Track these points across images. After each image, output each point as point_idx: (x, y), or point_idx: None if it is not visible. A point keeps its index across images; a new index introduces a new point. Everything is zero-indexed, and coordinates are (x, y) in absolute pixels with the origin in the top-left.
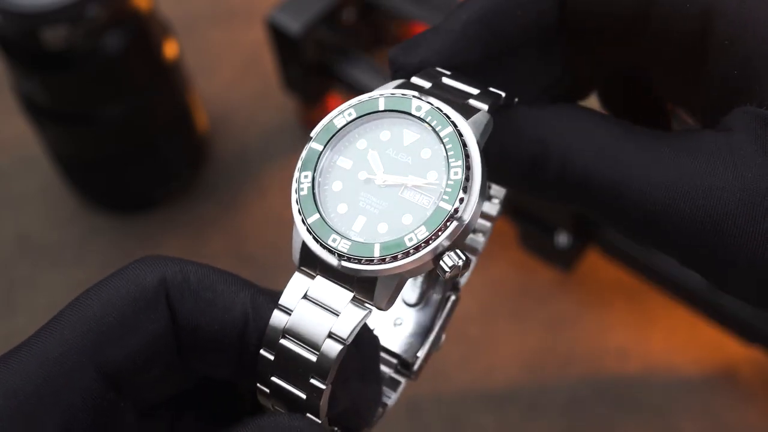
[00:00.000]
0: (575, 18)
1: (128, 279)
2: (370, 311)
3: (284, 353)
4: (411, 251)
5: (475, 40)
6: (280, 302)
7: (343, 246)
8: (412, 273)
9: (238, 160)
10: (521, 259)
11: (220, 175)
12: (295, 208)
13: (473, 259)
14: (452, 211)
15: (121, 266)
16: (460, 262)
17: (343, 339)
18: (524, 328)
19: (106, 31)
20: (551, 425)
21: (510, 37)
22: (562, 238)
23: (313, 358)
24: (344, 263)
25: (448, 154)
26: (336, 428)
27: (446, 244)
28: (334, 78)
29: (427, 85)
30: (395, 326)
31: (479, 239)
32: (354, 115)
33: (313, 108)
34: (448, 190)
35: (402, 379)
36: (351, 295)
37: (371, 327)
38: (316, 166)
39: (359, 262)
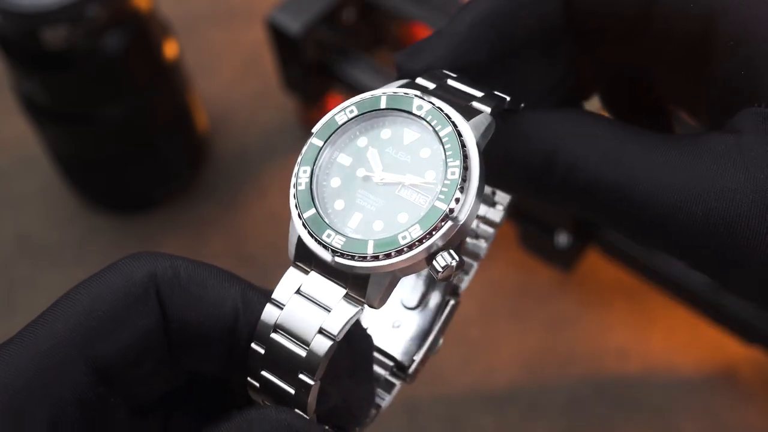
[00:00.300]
0: (579, 18)
1: (119, 273)
2: (362, 309)
3: (275, 348)
4: (404, 249)
5: (480, 42)
6: (273, 296)
7: (337, 242)
8: (405, 271)
9: (238, 160)
10: (521, 259)
11: (220, 175)
12: (292, 202)
13: (474, 264)
14: (447, 210)
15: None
16: (454, 263)
17: (333, 335)
18: (524, 329)
19: (106, 31)
20: (551, 425)
21: (515, 38)
22: (562, 238)
23: (303, 354)
24: (338, 259)
25: (447, 153)
26: (327, 427)
27: (440, 243)
28: (334, 78)
29: (431, 86)
30: (393, 328)
31: (482, 245)
32: (355, 113)
33: (313, 108)
34: (444, 189)
35: (397, 382)
36: (344, 291)
37: (370, 329)
38: (315, 161)
39: (352, 258)
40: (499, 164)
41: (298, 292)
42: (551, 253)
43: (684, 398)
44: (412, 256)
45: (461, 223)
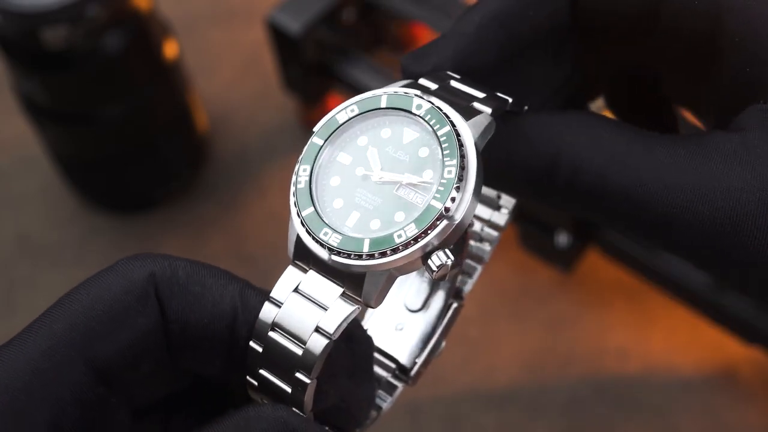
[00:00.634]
0: (586, 17)
1: (117, 274)
2: (359, 308)
3: (272, 346)
4: (400, 248)
5: (488, 43)
6: (271, 295)
7: (333, 240)
8: (401, 270)
9: (238, 160)
10: (521, 259)
11: (220, 175)
12: (291, 200)
13: (479, 268)
14: (443, 209)
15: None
16: (449, 262)
17: (329, 334)
18: (524, 328)
19: (106, 31)
20: (551, 425)
21: (522, 38)
22: (562, 238)
23: (299, 352)
24: (334, 257)
25: (444, 153)
26: (327, 428)
27: (435, 242)
28: (334, 78)
29: (433, 86)
30: (396, 331)
31: (486, 248)
32: (356, 112)
33: (313, 108)
34: (440, 188)
35: (399, 384)
36: (341, 290)
37: (373, 331)
38: (315, 160)
39: (349, 256)
40: (502, 167)
41: (296, 290)
42: (551, 253)
43: (684, 398)
44: (408, 254)
45: (457, 222)
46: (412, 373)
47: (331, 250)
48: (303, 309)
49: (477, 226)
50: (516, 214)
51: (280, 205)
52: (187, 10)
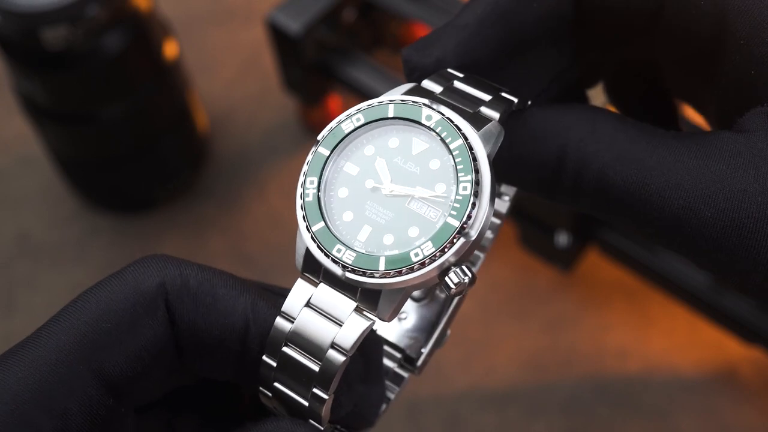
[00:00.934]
0: (589, 8)
1: (126, 283)
2: (374, 322)
3: (286, 361)
4: (416, 267)
5: (491, 35)
6: (282, 309)
7: (347, 257)
8: (416, 287)
9: (239, 160)
10: (521, 259)
11: (220, 175)
12: (299, 214)
13: (481, 256)
14: (460, 227)
15: (121, 266)
16: (466, 279)
17: (346, 350)
18: (524, 329)
19: (106, 31)
20: (551, 425)
21: (525, 30)
22: (562, 238)
23: (316, 368)
24: (348, 275)
25: (458, 167)
26: (338, 426)
27: (453, 260)
28: (334, 78)
29: (438, 89)
30: (400, 320)
31: (488, 236)
32: (362, 121)
33: (313, 108)
34: (456, 205)
35: (405, 374)
36: (354, 304)
37: (377, 322)
38: (322, 171)
39: (364, 274)
40: (508, 164)
41: (308, 305)
42: (551, 253)
43: (684, 398)
44: (425, 273)
45: (473, 238)
46: (419, 363)
47: (345, 267)
48: (317, 324)
49: None
50: (514, 213)
51: (280, 205)
52: (187, 10)
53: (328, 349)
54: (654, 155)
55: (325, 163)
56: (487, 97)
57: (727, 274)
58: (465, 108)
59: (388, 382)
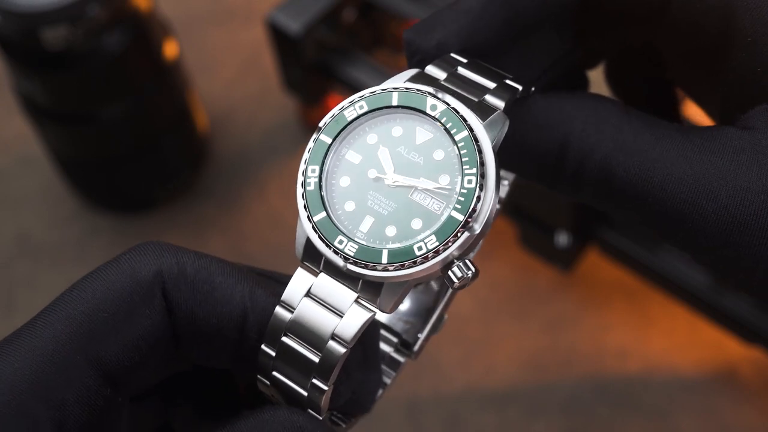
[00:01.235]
0: None
1: (123, 272)
2: (375, 313)
3: (286, 351)
4: (419, 260)
5: (494, 18)
6: (282, 299)
7: (349, 249)
8: (419, 281)
9: (239, 160)
10: (521, 259)
11: (220, 175)
12: (300, 203)
13: (480, 242)
14: (464, 221)
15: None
16: (470, 274)
17: (347, 342)
18: (524, 328)
19: (106, 31)
20: (551, 425)
21: (528, 14)
22: (562, 238)
23: (316, 359)
24: (350, 266)
25: (462, 159)
26: (335, 412)
27: (456, 254)
28: (334, 78)
29: (442, 75)
30: None
31: None
32: (365, 109)
33: (313, 108)
34: (461, 199)
35: (402, 359)
36: (355, 295)
37: None
38: (324, 159)
39: (366, 267)
40: (510, 151)
41: (308, 294)
42: (551, 253)
43: (684, 398)
44: (428, 267)
45: (477, 232)
46: (416, 348)
47: (346, 258)
48: (317, 315)
49: None
50: (514, 213)
51: (280, 205)
52: (187, 10)
53: (328, 340)
54: (657, 147)
55: (327, 150)
56: (491, 85)
57: (728, 270)
58: (470, 96)
59: (384, 367)
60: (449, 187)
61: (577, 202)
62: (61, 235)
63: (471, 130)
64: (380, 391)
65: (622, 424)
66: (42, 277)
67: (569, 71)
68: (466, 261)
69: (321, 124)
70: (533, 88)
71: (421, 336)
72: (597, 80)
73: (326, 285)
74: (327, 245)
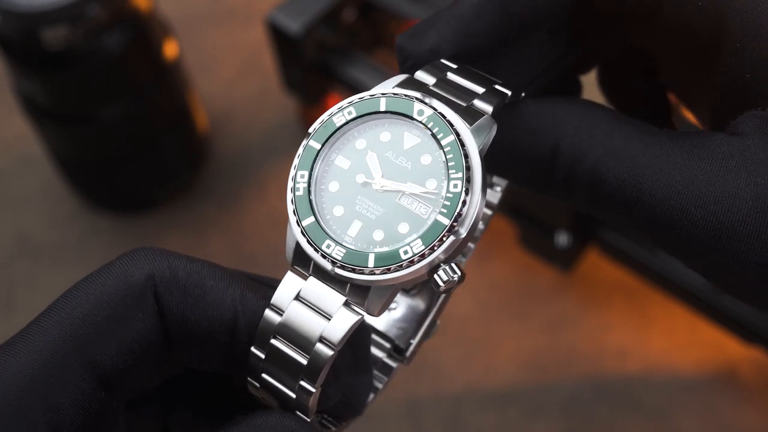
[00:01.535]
0: None
1: (116, 276)
2: (362, 317)
3: (275, 353)
4: (405, 264)
5: (487, 24)
6: (272, 302)
7: (337, 253)
8: (406, 284)
9: (239, 160)
10: (521, 259)
11: (220, 175)
12: (290, 207)
13: (472, 247)
14: (449, 225)
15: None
16: (455, 277)
17: (334, 345)
18: (524, 328)
19: (106, 31)
20: (551, 425)
21: (522, 18)
22: (562, 238)
23: (304, 361)
24: (337, 270)
25: (449, 164)
26: (325, 415)
27: (442, 257)
28: (334, 78)
29: (431, 81)
30: (390, 310)
31: (479, 227)
32: (354, 114)
33: (313, 108)
34: (447, 203)
35: (394, 364)
36: (343, 299)
37: None
38: (313, 165)
39: (353, 270)
40: (501, 156)
41: (297, 297)
42: (551, 253)
43: (684, 398)
44: (414, 270)
45: (463, 236)
46: (408, 353)
47: (334, 262)
48: (306, 318)
49: None
50: (514, 213)
51: (280, 205)
52: (187, 10)
53: (316, 343)
54: (647, 153)
55: (316, 156)
56: (480, 90)
57: (718, 276)
58: (458, 101)
59: (376, 372)
60: (436, 191)
61: None
62: (61, 235)
63: (457, 134)
64: (372, 396)
65: (622, 424)
66: (42, 277)
67: (562, 76)
68: (452, 264)
69: (310, 130)
70: (524, 94)
71: (414, 341)
72: (589, 85)
73: (315, 288)
74: (315, 249)
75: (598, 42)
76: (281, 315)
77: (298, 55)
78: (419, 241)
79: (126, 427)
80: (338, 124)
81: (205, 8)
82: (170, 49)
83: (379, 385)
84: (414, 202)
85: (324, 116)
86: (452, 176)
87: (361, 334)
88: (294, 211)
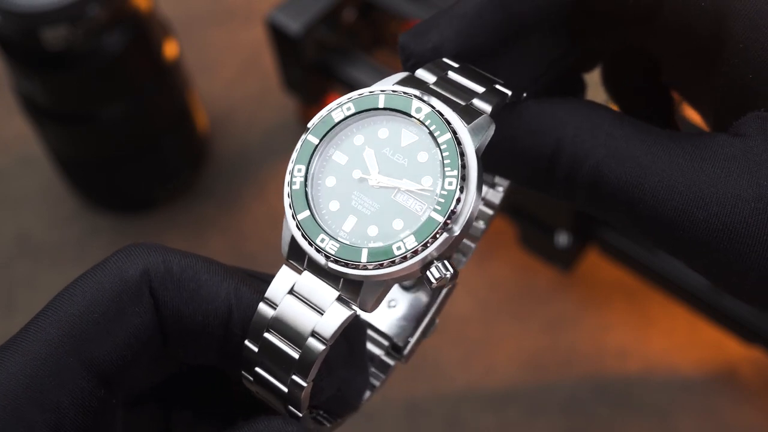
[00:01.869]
0: None
1: (111, 273)
2: (355, 312)
3: (267, 347)
4: (398, 260)
5: (489, 23)
6: (266, 295)
7: (330, 247)
8: (398, 280)
9: (239, 160)
10: (521, 259)
11: (220, 175)
12: (286, 201)
13: (472, 246)
14: (443, 222)
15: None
16: (448, 275)
17: (326, 339)
18: (524, 328)
19: (106, 31)
20: (551, 425)
21: (524, 18)
22: (562, 238)
23: (296, 355)
24: (331, 264)
25: (445, 162)
26: (320, 412)
27: (435, 254)
28: (334, 78)
29: (431, 79)
30: (389, 308)
31: (480, 226)
32: (353, 110)
33: (313, 108)
34: (441, 200)
35: (392, 362)
36: (336, 294)
37: None
38: (310, 160)
39: (346, 265)
40: (502, 156)
41: (291, 291)
42: (551, 253)
43: (684, 398)
44: (406, 266)
45: (456, 234)
46: (405, 351)
47: (327, 257)
48: (299, 312)
49: None
50: (514, 213)
51: (279, 205)
52: (187, 10)
53: (308, 337)
54: (649, 154)
55: (314, 151)
56: (480, 89)
57: (719, 276)
58: (457, 100)
59: (374, 370)
60: (431, 188)
61: None
62: (61, 235)
63: (454, 133)
64: (368, 393)
65: (622, 424)
66: (42, 277)
67: (564, 75)
68: (445, 262)
69: (309, 125)
70: (525, 94)
71: (412, 340)
72: (591, 85)
73: (309, 283)
74: (310, 243)
75: (598, 42)
76: (275, 309)
77: (298, 55)
78: (412, 238)
79: (126, 427)
80: (337, 120)
81: (205, 8)
82: (170, 49)
83: (376, 383)
84: (409, 198)
85: (323, 111)
86: (447, 174)
87: (356, 329)
88: (290, 204)
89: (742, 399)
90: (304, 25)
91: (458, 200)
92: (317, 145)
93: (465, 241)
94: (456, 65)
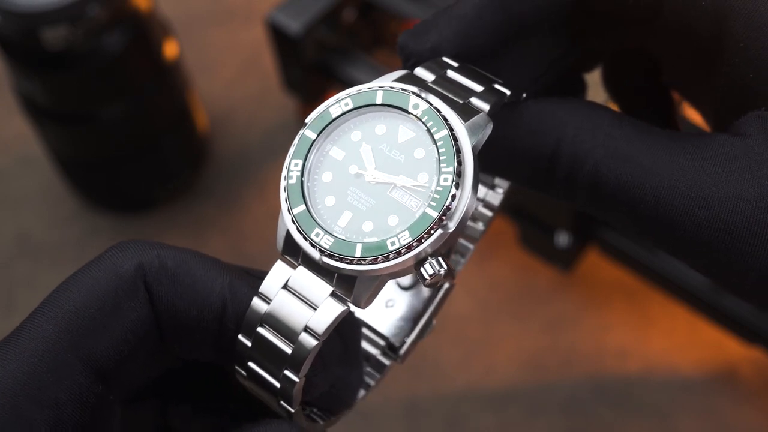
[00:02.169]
0: None
1: (106, 268)
2: (349, 308)
3: (260, 342)
4: (392, 255)
5: (489, 23)
6: (260, 290)
7: (325, 242)
8: (392, 276)
9: (239, 160)
10: (521, 259)
11: (220, 175)
12: (282, 195)
13: (471, 247)
14: (437, 218)
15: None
16: (442, 272)
17: (318, 335)
18: (524, 328)
19: (106, 31)
20: (551, 425)
21: (523, 18)
22: (562, 238)
23: (288, 350)
24: (325, 259)
25: (440, 158)
26: (314, 409)
27: (429, 251)
28: (334, 78)
29: (430, 77)
30: (387, 308)
31: (479, 227)
32: (350, 106)
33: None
34: (436, 196)
35: (388, 362)
36: (330, 289)
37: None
38: (307, 154)
39: (340, 260)
40: (501, 156)
41: (285, 286)
42: (551, 253)
43: (684, 398)
44: (400, 262)
45: (451, 231)
46: (401, 351)
47: (322, 251)
48: (292, 307)
49: None
50: (514, 213)
51: (279, 204)
52: (187, 10)
53: (301, 332)
54: (650, 155)
55: (311, 146)
56: (479, 88)
57: (719, 275)
58: (455, 98)
59: (369, 369)
60: (427, 185)
61: None
62: (61, 235)
63: (451, 129)
64: (363, 392)
65: (622, 424)
66: (42, 277)
67: (565, 75)
68: (439, 258)
69: (307, 120)
70: (524, 94)
71: (408, 340)
72: (591, 85)
73: (303, 278)
74: (304, 237)
75: (598, 42)
76: (269, 303)
77: (298, 55)
78: (407, 233)
79: (124, 423)
80: (334, 115)
81: (205, 8)
82: (170, 49)
83: (372, 382)
84: (405, 195)
85: (321, 107)
86: (443, 170)
87: (350, 325)
88: (286, 199)
89: (742, 399)
90: (304, 25)
91: (453, 197)
92: (314, 140)
93: (463, 242)
94: (455, 64)
